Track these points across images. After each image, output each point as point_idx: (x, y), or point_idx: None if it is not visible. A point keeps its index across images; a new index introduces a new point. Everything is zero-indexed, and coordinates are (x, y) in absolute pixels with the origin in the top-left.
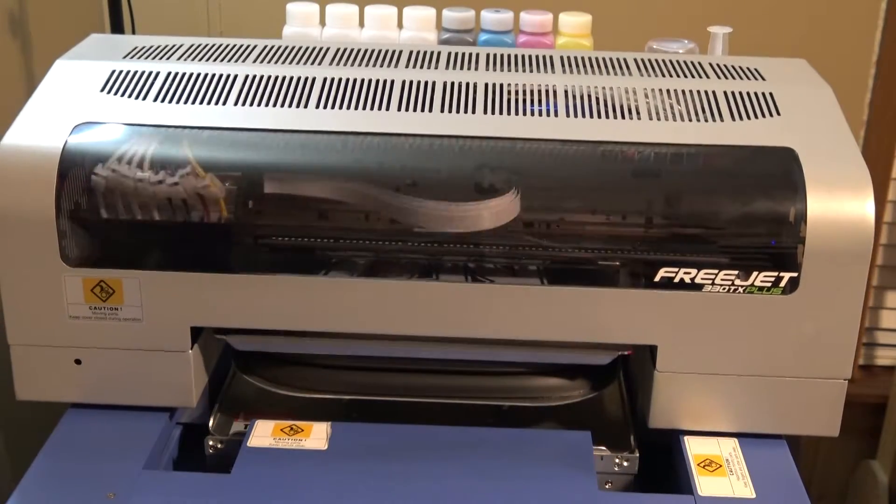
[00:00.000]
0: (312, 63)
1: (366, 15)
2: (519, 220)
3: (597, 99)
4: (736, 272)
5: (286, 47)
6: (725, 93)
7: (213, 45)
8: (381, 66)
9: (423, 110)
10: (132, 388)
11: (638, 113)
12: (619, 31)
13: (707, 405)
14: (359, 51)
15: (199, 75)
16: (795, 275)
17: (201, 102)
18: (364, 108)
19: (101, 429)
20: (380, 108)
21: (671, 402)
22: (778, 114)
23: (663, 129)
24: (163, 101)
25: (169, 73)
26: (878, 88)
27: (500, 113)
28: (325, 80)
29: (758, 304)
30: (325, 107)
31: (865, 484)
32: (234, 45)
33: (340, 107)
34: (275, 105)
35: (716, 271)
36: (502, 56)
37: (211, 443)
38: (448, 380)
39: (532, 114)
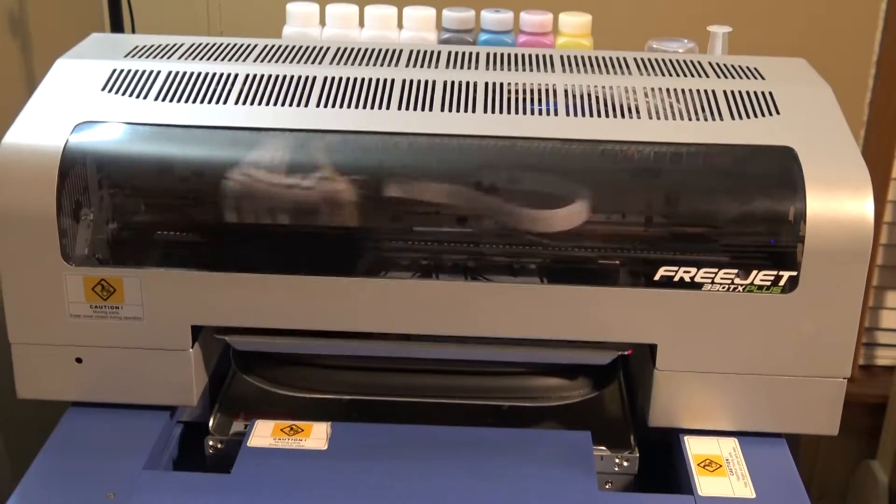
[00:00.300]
0: (313, 62)
1: (366, 15)
2: (519, 218)
3: (597, 98)
4: (735, 271)
5: (286, 47)
6: (725, 92)
7: (214, 45)
8: (382, 65)
9: (423, 109)
10: (133, 386)
11: (638, 112)
12: (619, 31)
13: (707, 404)
14: (359, 50)
15: (199, 74)
16: (795, 274)
17: (202, 101)
18: (364, 107)
19: (101, 427)
20: (380, 108)
21: (671, 401)
22: (777, 113)
23: (663, 128)
24: (163, 100)
25: (170, 73)
26: (878, 88)
27: (501, 112)
28: (325, 79)
29: (757, 303)
30: (325, 106)
31: (865, 484)
32: (235, 45)
33: (341, 106)
34: (275, 104)
35: (715, 270)
36: (502, 55)
37: (211, 443)
38: (448, 380)
39: (532, 113)
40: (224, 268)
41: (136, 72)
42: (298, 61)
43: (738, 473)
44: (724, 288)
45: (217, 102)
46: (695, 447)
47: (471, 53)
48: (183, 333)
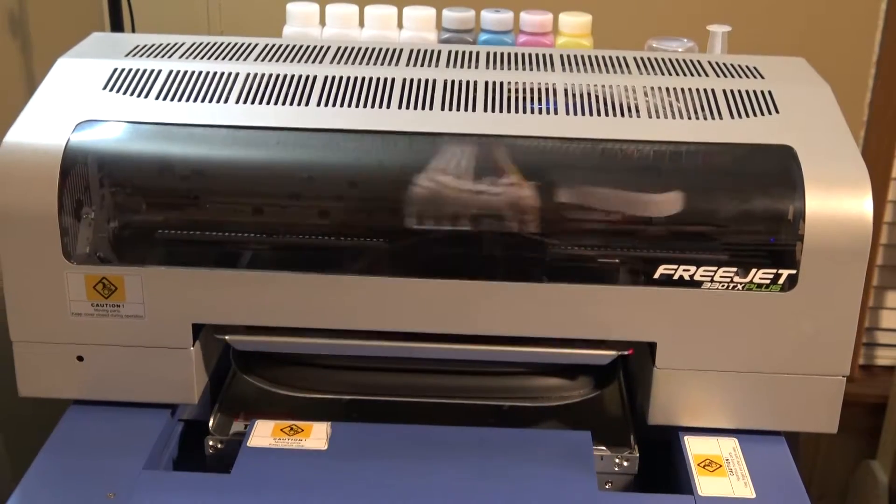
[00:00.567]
0: (313, 61)
1: (366, 15)
2: (518, 217)
3: (596, 97)
4: (735, 269)
5: (287, 46)
6: (724, 91)
7: (215, 44)
8: (382, 64)
9: (423, 108)
10: (134, 384)
11: (637, 111)
12: (619, 31)
13: (706, 402)
14: (359, 49)
15: (200, 73)
16: (794, 272)
17: (203, 100)
18: (365, 105)
19: (102, 426)
20: (380, 106)
21: (670, 399)
22: (777, 112)
23: (663, 127)
24: (164, 98)
25: (171, 72)
26: (878, 88)
27: (501, 111)
28: (325, 78)
29: (756, 302)
30: (325, 105)
31: (865, 484)
32: (236, 44)
33: (341, 105)
34: (276, 103)
35: (715, 268)
36: (502, 54)
37: (211, 443)
38: (448, 380)
39: (532, 112)
40: (225, 266)
41: (137, 71)
42: (299, 60)
43: (738, 473)
44: (723, 286)
45: (218, 101)
46: (695, 447)
47: (471, 53)
48: (184, 331)
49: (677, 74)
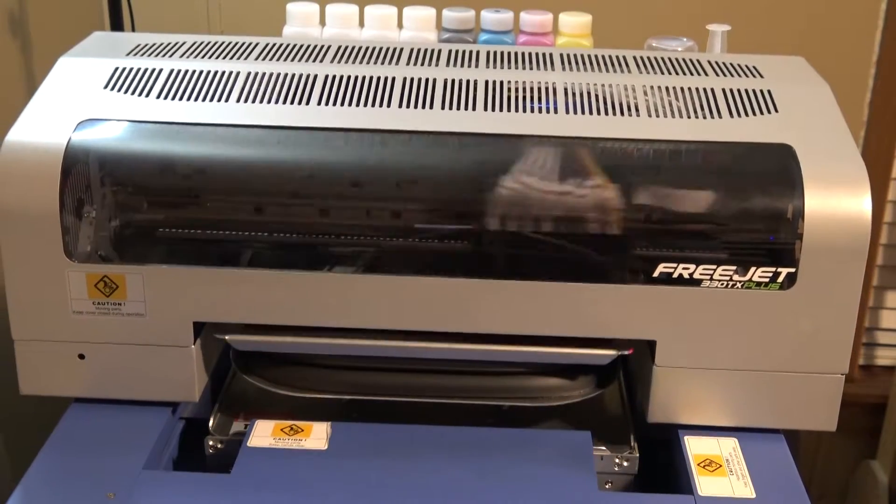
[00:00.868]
0: (314, 60)
1: (366, 15)
2: (518, 215)
3: (596, 96)
4: (734, 268)
5: (288, 45)
6: (724, 90)
7: (216, 43)
8: (383, 63)
9: (423, 107)
10: (135, 382)
11: (637, 110)
12: (619, 30)
13: (706, 400)
14: (360, 48)
15: (201, 72)
16: (793, 270)
17: (204, 99)
18: (365, 104)
19: (103, 424)
20: (381, 105)
21: (670, 397)
22: (776, 111)
23: (662, 125)
24: (165, 98)
25: (172, 71)
26: (878, 88)
27: (501, 110)
28: (326, 77)
29: (756, 300)
30: (326, 104)
31: (865, 484)
32: (237, 43)
33: (342, 104)
34: (277, 102)
35: (714, 267)
36: (502, 54)
37: (211, 443)
38: (448, 380)
39: (532, 111)
40: (226, 264)
41: (139, 70)
42: (299, 59)
43: (738, 473)
44: (722, 284)
45: (219, 100)
46: (695, 447)
47: (471, 52)
48: (185, 330)
49: (677, 74)
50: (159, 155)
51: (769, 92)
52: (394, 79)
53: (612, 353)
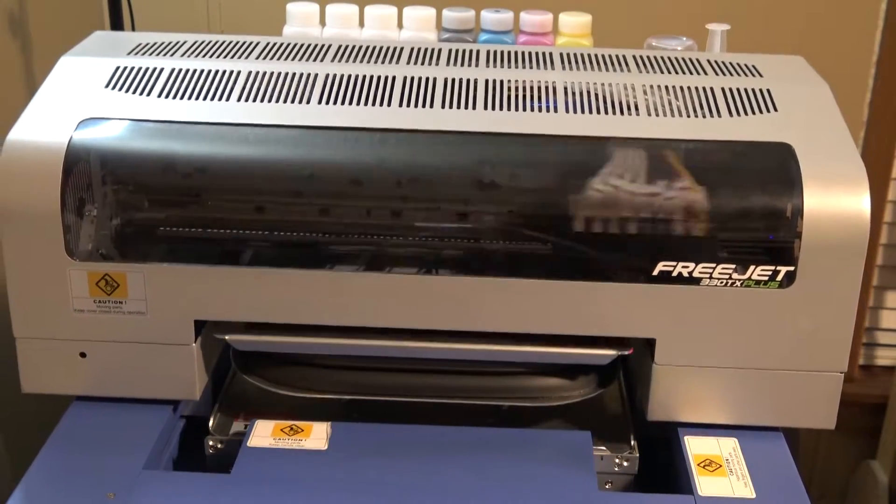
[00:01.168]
0: (314, 60)
1: (366, 15)
2: (518, 214)
3: (596, 95)
4: (733, 266)
5: (288, 44)
6: (723, 89)
7: (216, 42)
8: (383, 62)
9: (423, 106)
10: (136, 380)
11: (637, 109)
12: (619, 30)
13: (705, 398)
14: (360, 47)
15: (202, 71)
16: (792, 269)
17: (205, 98)
18: (366, 103)
19: (104, 423)
20: (381, 104)
21: (669, 395)
22: (775, 110)
23: (662, 124)
24: (167, 96)
25: (173, 70)
26: (878, 88)
27: (501, 109)
28: (327, 76)
29: (755, 298)
30: (327, 102)
31: (865, 484)
32: (237, 42)
33: (342, 102)
34: (277, 101)
35: (713, 265)
36: (502, 53)
37: (211, 443)
38: (448, 380)
39: (532, 110)
40: (227, 262)
41: (140, 69)
42: (300, 59)
43: (738, 473)
44: (722, 283)
45: (219, 99)
46: (695, 447)
47: (471, 51)
48: (186, 328)
49: (676, 73)
50: (160, 154)
51: (768, 91)
52: (394, 78)
53: (612, 353)
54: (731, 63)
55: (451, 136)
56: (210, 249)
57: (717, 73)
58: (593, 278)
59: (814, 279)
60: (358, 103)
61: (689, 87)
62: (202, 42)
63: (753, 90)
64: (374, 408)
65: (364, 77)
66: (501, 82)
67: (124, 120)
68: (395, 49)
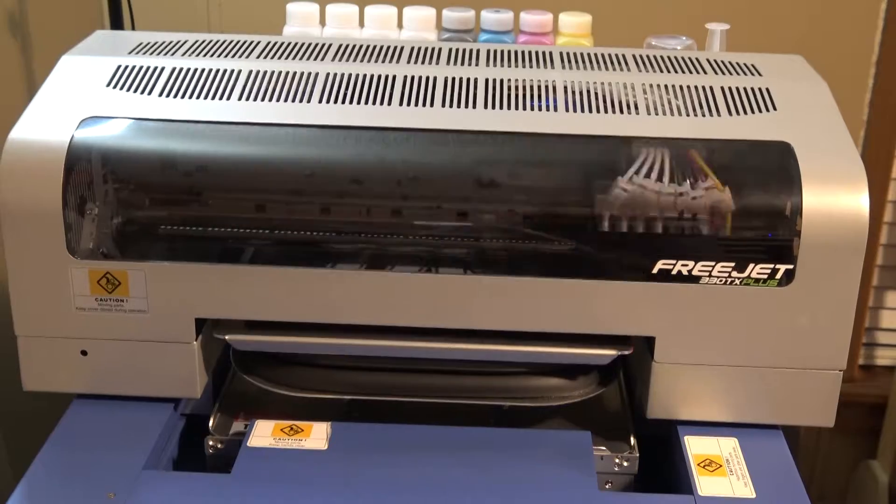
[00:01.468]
0: (315, 59)
1: (366, 15)
2: (518, 212)
3: (596, 94)
4: (732, 264)
5: (289, 43)
6: (723, 88)
7: (217, 41)
8: (383, 61)
9: (424, 105)
10: (137, 379)
11: (636, 108)
12: (619, 29)
13: (704, 396)
14: (360, 47)
15: (203, 70)
16: (791, 267)
17: (206, 97)
18: (366, 102)
19: (105, 421)
20: (381, 103)
21: (669, 393)
22: (774, 109)
23: (661, 123)
24: (168, 95)
25: (174, 69)
26: (878, 88)
27: (501, 108)
28: (327, 75)
29: (754, 296)
30: (327, 101)
31: (865, 484)
32: (238, 41)
33: (343, 101)
34: (278, 100)
35: (713, 263)
36: (502, 52)
37: (211, 443)
38: (448, 380)
39: (532, 109)
40: (228, 261)
41: (141, 68)
42: (301, 58)
43: (738, 473)
44: (721, 281)
45: (220, 98)
46: (695, 447)
47: (471, 50)
48: (187, 326)
49: (676, 72)
50: (161, 152)
51: (768, 90)
52: (394, 77)
53: (612, 352)
54: (730, 62)
55: (452, 135)
56: (211, 248)
57: (716, 73)
58: (593, 276)
59: (813, 277)
60: (358, 102)
61: (688, 87)
62: (203, 41)
63: (753, 89)
64: (374, 408)
65: (364, 76)
66: (501, 81)
67: (125, 119)
68: (395, 48)
